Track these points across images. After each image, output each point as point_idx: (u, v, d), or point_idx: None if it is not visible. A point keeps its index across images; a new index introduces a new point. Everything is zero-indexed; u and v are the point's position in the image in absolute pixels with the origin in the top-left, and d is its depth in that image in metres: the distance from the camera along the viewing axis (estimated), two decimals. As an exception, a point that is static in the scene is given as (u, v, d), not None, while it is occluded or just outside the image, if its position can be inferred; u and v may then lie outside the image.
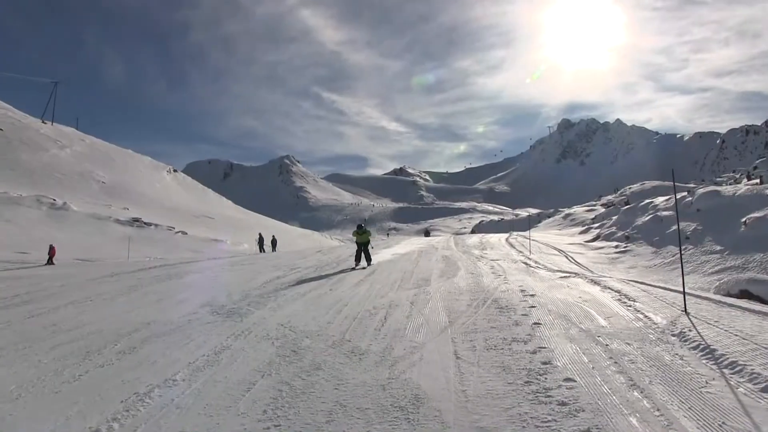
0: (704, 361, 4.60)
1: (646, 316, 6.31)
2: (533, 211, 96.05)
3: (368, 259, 13.70)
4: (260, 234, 28.61)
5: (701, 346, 4.93)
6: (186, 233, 35.07)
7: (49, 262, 19.82)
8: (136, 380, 4.46)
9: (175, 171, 67.94)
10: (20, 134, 47.51)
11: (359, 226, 14.44)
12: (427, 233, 39.46)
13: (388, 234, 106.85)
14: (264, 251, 25.33)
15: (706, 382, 4.09)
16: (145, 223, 34.56)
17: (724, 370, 4.34)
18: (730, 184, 23.68)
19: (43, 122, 55.17)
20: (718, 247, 15.56)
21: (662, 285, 9.31)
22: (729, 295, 9.88)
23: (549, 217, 48.17)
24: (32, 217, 28.60)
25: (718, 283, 11.75)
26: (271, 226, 57.82)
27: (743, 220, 16.06)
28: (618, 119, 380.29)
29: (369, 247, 14.02)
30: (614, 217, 26.28)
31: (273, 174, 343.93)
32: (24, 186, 36.21)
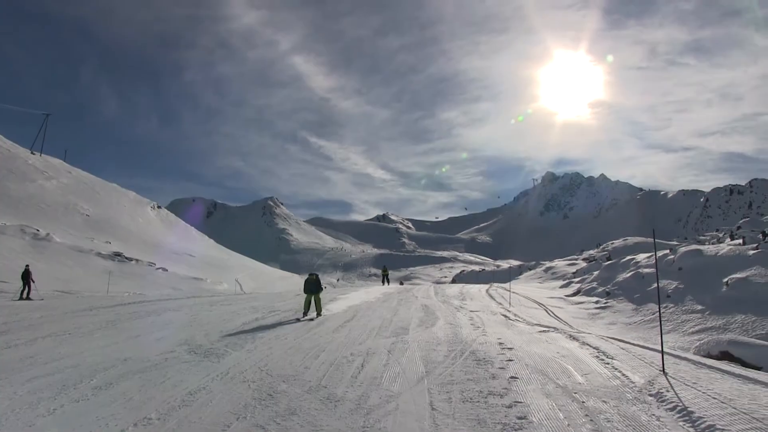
0: (681, 423, 4.55)
1: (623, 375, 6.27)
2: (515, 262, 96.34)
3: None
4: (27, 266, 18.67)
5: (678, 408, 4.89)
6: (166, 270, 34.59)
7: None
8: (110, 417, 4.41)
9: (158, 207, 67.33)
10: (8, 164, 47.22)
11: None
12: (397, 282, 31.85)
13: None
14: (28, 290, 17.56)
15: (682, 445, 4.04)
16: (126, 258, 34.04)
17: (701, 434, 4.27)
18: (713, 243, 23.97)
19: (32, 153, 54.83)
20: (699, 307, 15.54)
21: (641, 343, 9.31)
22: (709, 356, 9.85)
23: (530, 269, 48.21)
24: (14, 246, 27.99)
25: (698, 344, 11.70)
26: (251, 267, 57.17)
27: (725, 280, 16.09)
28: (602, 174, 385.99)
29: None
30: (595, 272, 26.42)
31: (256, 215, 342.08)
32: (8, 215, 35.69)
